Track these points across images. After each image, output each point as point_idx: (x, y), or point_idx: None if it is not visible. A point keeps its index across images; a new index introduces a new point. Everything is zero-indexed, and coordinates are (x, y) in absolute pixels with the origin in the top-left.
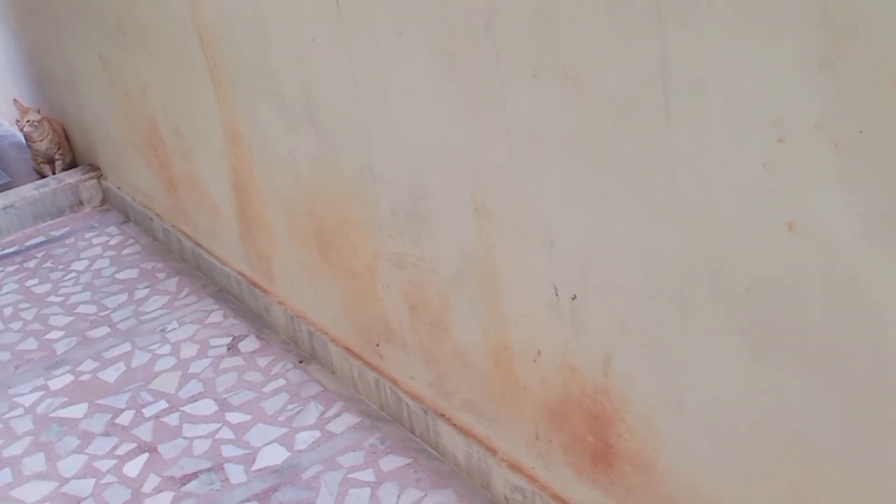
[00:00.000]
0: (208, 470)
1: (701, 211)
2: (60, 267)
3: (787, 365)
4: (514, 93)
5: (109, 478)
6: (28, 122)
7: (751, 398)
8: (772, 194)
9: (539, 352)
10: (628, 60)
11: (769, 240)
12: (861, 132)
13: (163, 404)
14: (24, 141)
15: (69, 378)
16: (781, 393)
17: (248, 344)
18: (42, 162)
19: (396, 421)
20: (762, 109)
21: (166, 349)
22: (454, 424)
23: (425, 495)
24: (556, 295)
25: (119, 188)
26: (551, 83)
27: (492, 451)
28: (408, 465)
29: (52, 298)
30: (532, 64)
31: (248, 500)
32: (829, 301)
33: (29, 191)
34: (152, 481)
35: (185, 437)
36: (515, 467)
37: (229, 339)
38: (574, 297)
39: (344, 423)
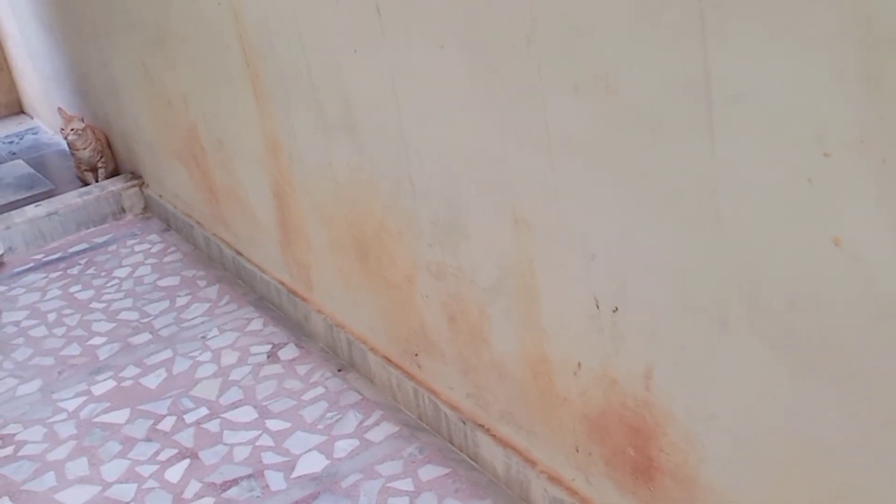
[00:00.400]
0: (248, 476)
1: (743, 225)
2: (103, 273)
3: (826, 383)
4: (555, 106)
5: (151, 483)
6: (72, 130)
7: (790, 415)
8: (816, 209)
9: (579, 364)
10: (669, 74)
11: (812, 255)
12: None
13: (204, 411)
14: (67, 149)
15: (112, 384)
16: (821, 411)
17: (288, 352)
18: (85, 170)
19: (435, 431)
20: (806, 124)
21: (207, 356)
22: (493, 435)
23: None
24: (597, 307)
25: (160, 196)
26: (593, 96)
27: (531, 462)
28: (446, 475)
29: (94, 305)
30: (574, 77)
31: None
32: (869, 318)
33: (72, 198)
34: (193, 487)
35: (225, 444)
36: (555, 479)
37: (269, 347)
38: (615, 310)
39: (383, 431)
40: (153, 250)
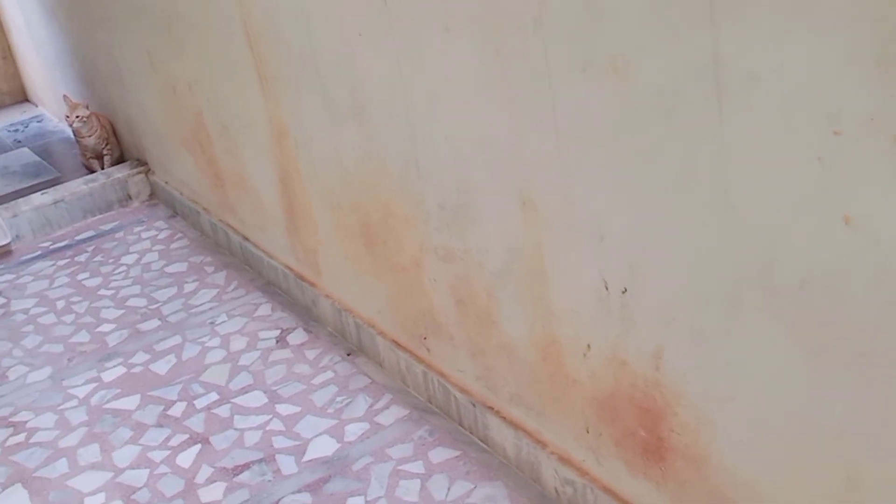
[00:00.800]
0: (260, 461)
1: (753, 205)
2: (110, 261)
3: (840, 363)
4: (562, 88)
5: (163, 468)
6: (77, 117)
7: (802, 394)
8: (827, 188)
9: (588, 346)
10: (679, 54)
11: (823, 234)
12: None
13: (214, 396)
14: (73, 137)
15: (121, 370)
16: (835, 391)
17: (297, 336)
18: (91, 157)
19: (445, 413)
20: (816, 103)
21: (216, 342)
22: (503, 417)
23: (475, 487)
24: (606, 289)
25: (166, 183)
26: (600, 78)
27: (541, 444)
28: (457, 457)
29: (102, 292)
30: (581, 59)
31: (299, 491)
32: (883, 298)
33: (78, 186)
34: (205, 472)
35: (236, 429)
36: (565, 460)
37: (278, 332)
38: (624, 291)
39: (392, 415)
40: (160, 237)
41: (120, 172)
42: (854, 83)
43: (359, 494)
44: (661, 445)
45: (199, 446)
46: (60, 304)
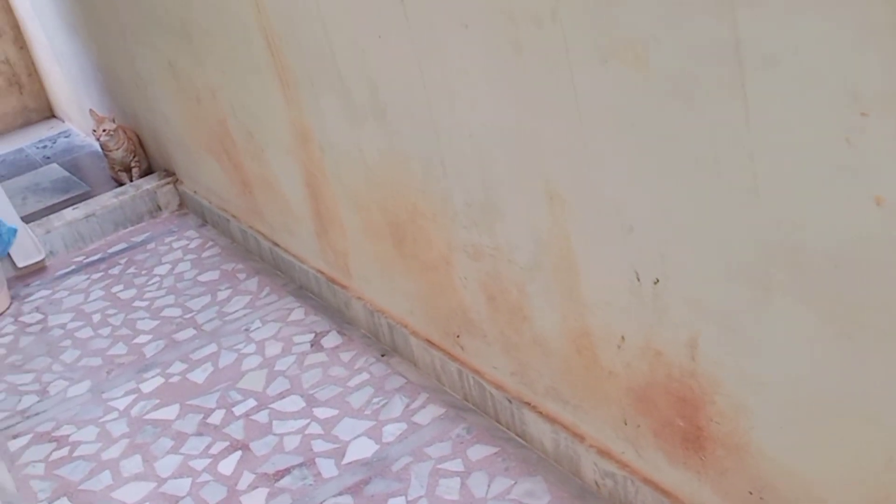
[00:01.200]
0: (300, 465)
1: (781, 189)
2: (144, 272)
3: (874, 344)
4: (583, 79)
5: (205, 476)
6: (104, 131)
7: (837, 376)
8: (856, 168)
9: (623, 337)
10: (698, 39)
11: (854, 216)
12: None
13: (252, 402)
14: (100, 150)
15: (160, 380)
16: (868, 370)
17: (331, 340)
18: (119, 170)
19: (481, 410)
20: (840, 82)
21: (251, 348)
22: (539, 412)
23: (515, 483)
24: (638, 280)
25: (195, 192)
26: (622, 67)
27: (579, 437)
28: (495, 453)
29: (137, 303)
30: (601, 48)
31: (340, 494)
32: None
33: (109, 199)
34: (247, 478)
35: (275, 434)
36: (605, 453)
37: (312, 336)
38: (656, 282)
39: (429, 414)
40: (191, 246)
41: (148, 184)
42: (877, 59)
43: (399, 495)
44: (700, 434)
45: (239, 453)
46: (97, 318)
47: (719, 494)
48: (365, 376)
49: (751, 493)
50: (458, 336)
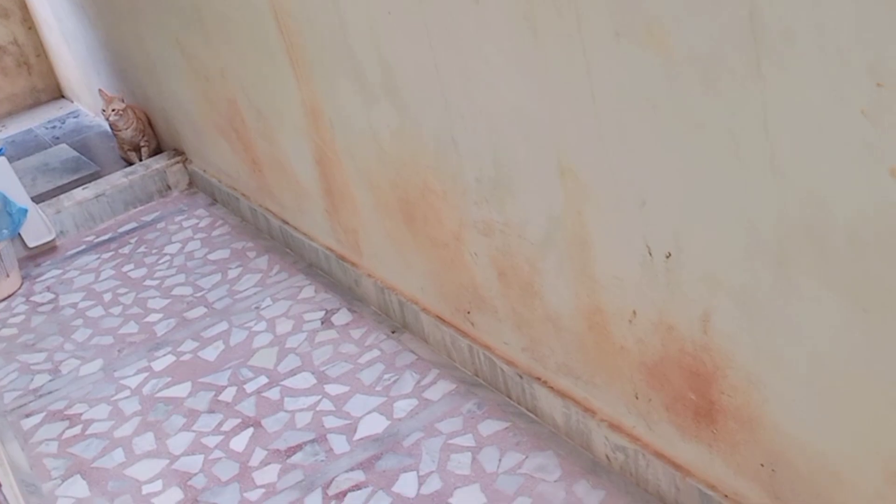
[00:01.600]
0: (312, 441)
1: (796, 163)
2: (154, 251)
3: (890, 316)
4: (597, 56)
5: (217, 453)
6: (113, 111)
7: (853, 352)
8: (872, 141)
9: (634, 312)
10: (714, 15)
11: (871, 189)
12: None
13: (263, 380)
14: (109, 130)
15: (171, 359)
16: (885, 344)
17: (341, 317)
18: (129, 150)
19: (492, 386)
20: (857, 55)
21: (262, 326)
22: (551, 387)
23: (526, 458)
24: (650, 254)
25: (205, 171)
26: (635, 44)
27: (591, 412)
28: (506, 428)
29: (148, 282)
30: (615, 26)
31: (352, 469)
32: None
33: (118, 178)
34: (259, 455)
35: (286, 411)
36: (616, 427)
37: (322, 314)
38: (668, 256)
39: (440, 390)
40: (201, 225)
41: (158, 163)
42: (893, 30)
43: (411, 470)
44: (711, 408)
45: (251, 430)
46: (108, 297)
47: (731, 467)
48: (376, 353)
49: (762, 466)
50: (468, 312)
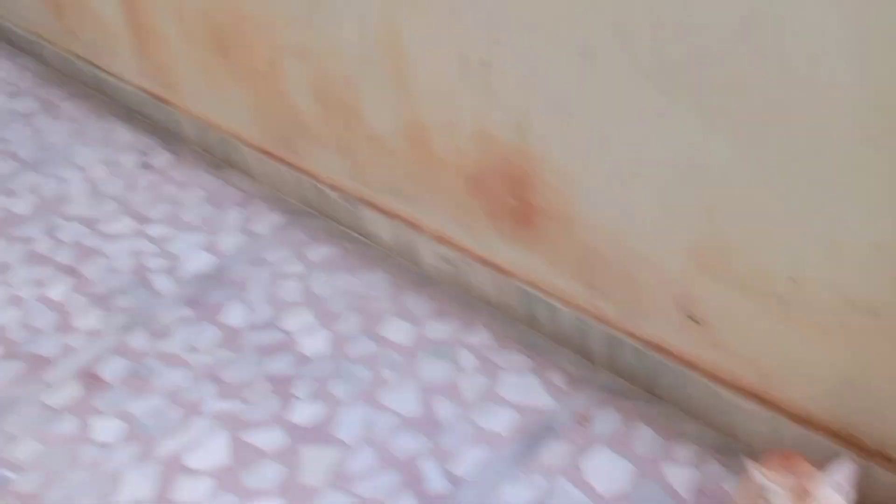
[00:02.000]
0: (135, 284)
1: None
2: None
3: (694, 105)
4: None
5: (34, 304)
6: None
7: (665, 143)
8: None
9: (453, 123)
10: None
11: None
12: None
13: (80, 227)
14: None
15: None
16: (686, 132)
17: (161, 159)
18: None
19: (321, 213)
20: None
21: (76, 174)
22: (378, 208)
23: (356, 278)
24: (467, 64)
25: (2, 17)
26: None
27: (417, 227)
28: (336, 253)
29: None
30: None
31: (178, 306)
32: (728, 33)
33: None
34: (79, 301)
35: (106, 256)
36: (441, 239)
37: (140, 157)
38: (485, 64)
39: (268, 222)
40: (3, 75)
41: None
42: None
43: (240, 301)
44: (530, 210)
45: (70, 278)
46: None
47: (550, 264)
48: (199, 192)
49: (577, 260)
50: (292, 141)
